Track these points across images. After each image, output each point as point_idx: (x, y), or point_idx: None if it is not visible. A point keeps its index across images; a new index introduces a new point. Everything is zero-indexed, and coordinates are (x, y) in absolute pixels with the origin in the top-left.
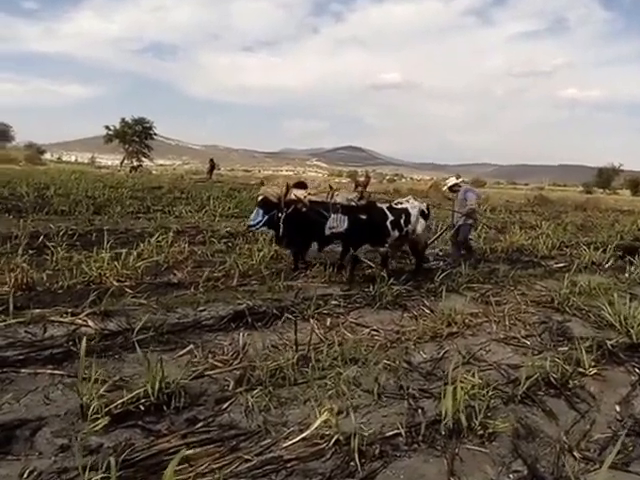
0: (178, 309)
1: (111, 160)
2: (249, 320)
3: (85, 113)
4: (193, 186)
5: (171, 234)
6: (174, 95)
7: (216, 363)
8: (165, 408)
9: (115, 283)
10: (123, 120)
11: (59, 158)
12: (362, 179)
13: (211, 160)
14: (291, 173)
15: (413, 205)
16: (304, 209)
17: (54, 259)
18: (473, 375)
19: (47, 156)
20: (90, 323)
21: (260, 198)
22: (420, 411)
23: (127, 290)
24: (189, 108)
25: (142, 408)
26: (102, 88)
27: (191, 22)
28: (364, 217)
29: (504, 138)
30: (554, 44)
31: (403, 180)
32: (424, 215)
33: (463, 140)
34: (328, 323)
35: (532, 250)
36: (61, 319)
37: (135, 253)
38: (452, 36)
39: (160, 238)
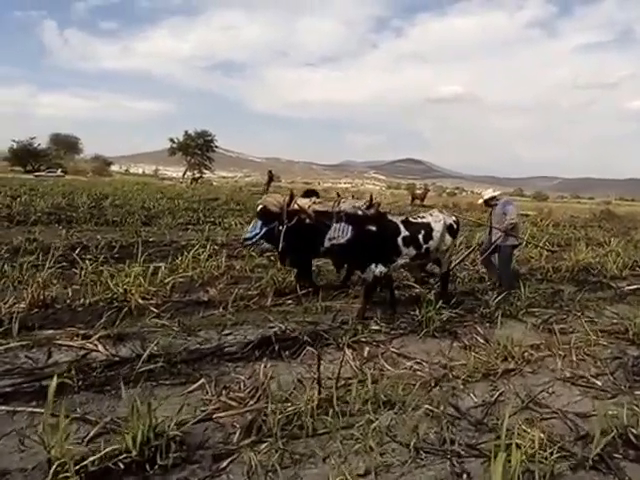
0: (201, 332)
1: (175, 172)
2: (276, 348)
3: (154, 127)
4: (250, 198)
5: (211, 247)
6: (239, 110)
7: (229, 402)
8: (149, 467)
9: (140, 301)
10: (186, 133)
11: (127, 170)
12: (420, 192)
13: (269, 172)
14: (349, 185)
15: (437, 219)
16: (308, 220)
17: (82, 273)
18: (533, 426)
19: (115, 168)
20: (100, 348)
21: (259, 208)
22: (465, 477)
23: (151, 309)
24: (253, 122)
25: (122, 466)
26: (172, 104)
27: (258, 40)
28: (372, 228)
29: (568, 151)
30: (620, 56)
31: (463, 193)
32: (452, 231)
33: (526, 153)
34: (365, 353)
35: (600, 270)
36: (70, 342)
37: (168, 268)
38: (516, 48)
39: (200, 251)
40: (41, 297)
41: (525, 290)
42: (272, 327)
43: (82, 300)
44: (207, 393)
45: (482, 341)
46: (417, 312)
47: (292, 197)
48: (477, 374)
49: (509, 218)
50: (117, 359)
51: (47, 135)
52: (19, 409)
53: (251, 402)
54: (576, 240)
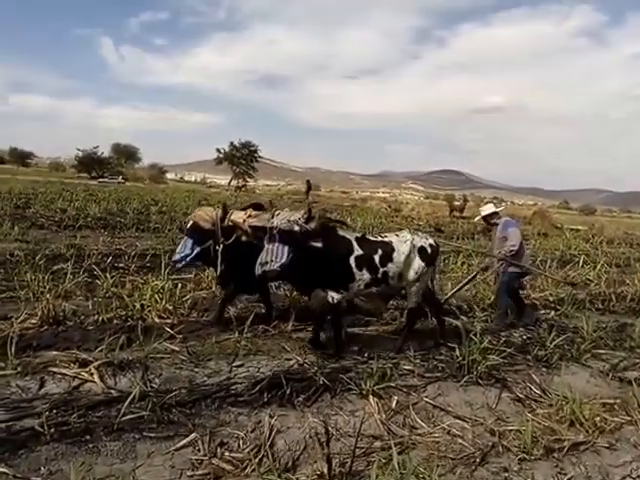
0: (211, 362)
1: (223, 180)
2: (287, 392)
3: (206, 137)
4: (290, 206)
5: None
6: (282, 122)
7: (223, 465)
8: None
9: (156, 320)
10: (232, 144)
11: (181, 178)
12: (459, 203)
13: (308, 181)
14: (387, 195)
15: (403, 239)
16: (244, 238)
17: (104, 285)
18: None
19: (171, 176)
20: (96, 378)
21: (189, 224)
22: None
23: (166, 329)
24: (295, 133)
25: None
26: (220, 116)
27: (300, 53)
28: (317, 245)
29: (618, 163)
30: None
31: (503, 204)
32: (424, 255)
33: (572, 165)
34: (394, 403)
35: None
36: (64, 371)
37: (194, 281)
38: (562, 58)
39: None
40: (52, 313)
41: (588, 326)
42: (288, 359)
43: (96, 317)
44: (199, 451)
45: (538, 392)
46: (457, 352)
47: (225, 210)
48: (537, 447)
49: (509, 244)
50: (111, 394)
51: (109, 144)
52: None
53: (250, 468)
54: (636, 261)
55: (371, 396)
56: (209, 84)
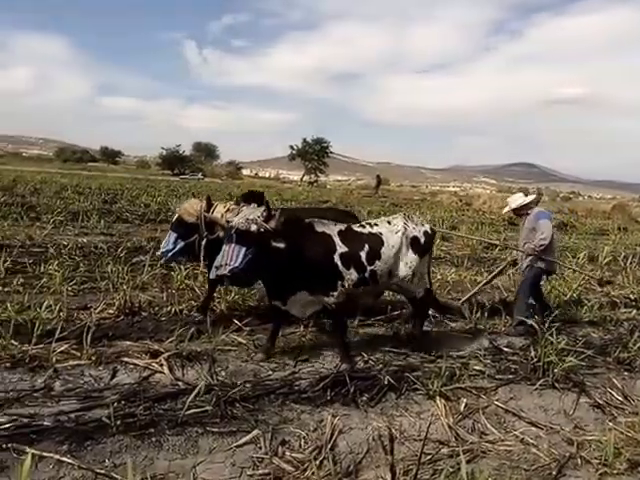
0: (276, 356)
1: (296, 176)
2: (350, 390)
3: (280, 135)
4: (359, 200)
5: None
6: (354, 117)
7: (284, 465)
8: None
9: (225, 311)
10: (304, 140)
11: (256, 174)
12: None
13: (377, 176)
14: (457, 189)
15: (395, 228)
16: (221, 234)
17: (178, 277)
18: None
19: (247, 172)
20: (165, 370)
21: (174, 218)
22: None
23: (235, 321)
24: (366, 129)
25: None
26: (294, 114)
27: (373, 50)
28: (281, 246)
29: None
30: None
31: (580, 198)
32: (417, 246)
33: None
34: (462, 406)
35: None
36: (136, 361)
37: None
38: None
39: None
40: (129, 303)
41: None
42: (353, 355)
43: (169, 308)
44: (260, 449)
45: (620, 398)
46: (531, 352)
47: (209, 203)
48: (619, 460)
49: (540, 236)
50: (178, 386)
51: (190, 143)
52: (45, 454)
53: (310, 470)
54: None
55: (438, 397)
56: (285, 83)
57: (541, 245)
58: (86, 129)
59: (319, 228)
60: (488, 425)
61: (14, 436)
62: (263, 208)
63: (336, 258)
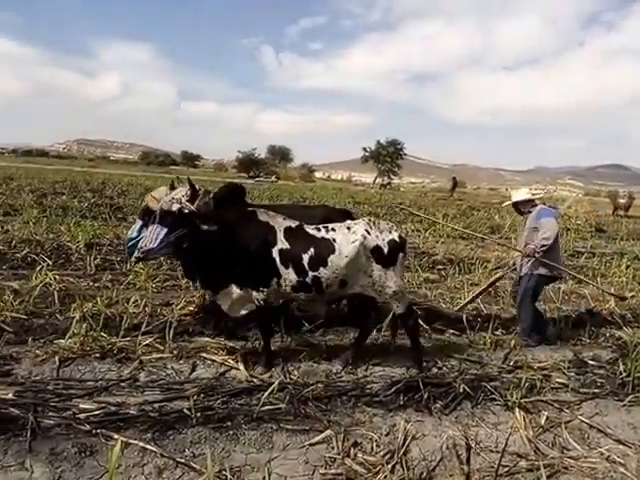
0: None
1: (367, 178)
2: (424, 396)
3: (353, 137)
4: (433, 203)
5: None
6: (429, 118)
7: (356, 467)
8: None
9: (296, 312)
10: (378, 142)
11: (328, 176)
12: (624, 200)
13: (453, 178)
14: (540, 192)
15: (351, 237)
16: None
17: None
18: None
19: (319, 174)
20: (241, 366)
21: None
22: None
23: (304, 323)
24: (443, 129)
25: None
26: (369, 116)
27: (454, 49)
28: (211, 229)
29: None
30: None
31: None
32: (380, 257)
33: None
34: (543, 420)
35: None
36: (214, 357)
37: None
38: None
39: None
40: (208, 301)
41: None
42: (426, 361)
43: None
44: (332, 449)
45: None
46: (620, 367)
47: (173, 189)
48: None
49: (542, 235)
50: (252, 382)
51: (265, 146)
52: (131, 441)
53: (382, 474)
54: None
55: (517, 409)
56: (360, 85)
57: (543, 246)
58: (168, 133)
59: (263, 218)
60: (570, 440)
61: (103, 422)
62: (187, 189)
63: (274, 253)
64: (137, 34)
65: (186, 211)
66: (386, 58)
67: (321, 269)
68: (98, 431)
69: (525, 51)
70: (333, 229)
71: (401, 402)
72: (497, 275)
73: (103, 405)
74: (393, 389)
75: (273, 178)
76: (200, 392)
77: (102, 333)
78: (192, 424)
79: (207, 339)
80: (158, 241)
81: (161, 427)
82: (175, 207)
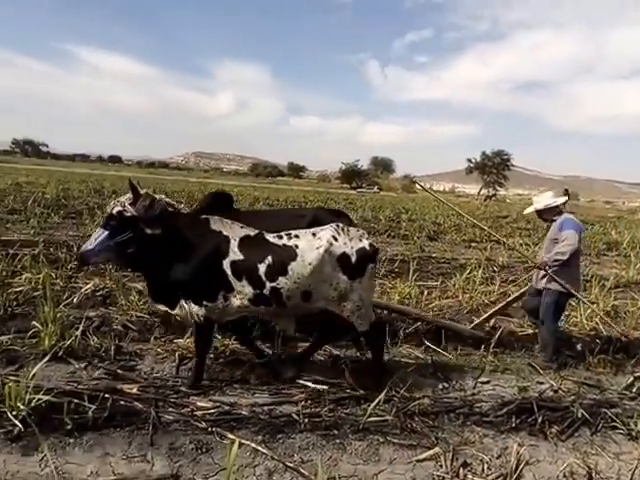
0: (453, 374)
1: (473, 189)
2: (538, 420)
3: (456, 148)
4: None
5: (489, 269)
6: (538, 128)
7: None
8: None
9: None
10: (483, 153)
11: (430, 187)
12: None
13: (565, 190)
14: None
15: (316, 243)
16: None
17: None
18: None
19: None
20: (346, 375)
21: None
22: None
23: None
24: (552, 139)
25: None
26: (473, 126)
27: (564, 58)
28: (152, 233)
29: None
30: None
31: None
32: (347, 266)
33: None
34: None
35: None
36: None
37: (440, 288)
38: None
39: (475, 273)
40: None
41: None
42: (540, 382)
43: None
44: (441, 467)
45: None
46: None
47: (135, 191)
48: None
49: (559, 248)
50: (358, 392)
51: (368, 158)
52: (244, 442)
53: None
54: None
55: None
56: (465, 96)
57: (556, 260)
58: (276, 146)
59: (216, 227)
60: None
61: (217, 421)
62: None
63: (225, 265)
64: (251, 54)
65: (128, 214)
66: (492, 68)
67: (280, 279)
68: (213, 429)
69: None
70: (297, 235)
71: (513, 424)
72: (517, 293)
73: (218, 404)
74: (505, 410)
75: (375, 189)
76: (307, 398)
77: (217, 335)
78: (300, 429)
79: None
80: (96, 242)
81: (271, 430)
82: (116, 210)
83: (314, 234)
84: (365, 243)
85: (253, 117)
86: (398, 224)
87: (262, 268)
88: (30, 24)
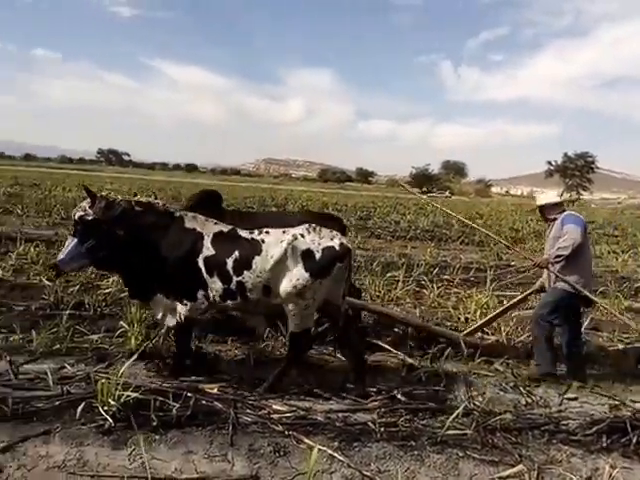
0: (538, 389)
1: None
2: (632, 441)
3: (533, 150)
4: (633, 222)
5: None
6: (626, 127)
7: None
8: None
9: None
10: (565, 155)
11: (507, 192)
12: None
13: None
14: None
15: (279, 238)
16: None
17: (430, 295)
18: None
19: (496, 190)
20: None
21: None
22: None
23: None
24: None
25: None
26: (552, 126)
27: None
28: (118, 234)
29: None
30: None
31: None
32: (309, 262)
33: None
34: None
35: None
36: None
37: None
38: None
39: None
40: None
41: None
42: (634, 401)
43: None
44: None
45: None
46: None
47: (90, 194)
48: None
49: (560, 243)
50: (433, 405)
51: (439, 162)
52: (321, 448)
53: None
54: None
55: None
56: (544, 94)
57: (558, 256)
58: (344, 152)
59: (190, 224)
60: None
61: (294, 425)
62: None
63: (200, 262)
64: (320, 59)
65: (89, 217)
66: (572, 65)
67: (245, 273)
68: (290, 433)
69: None
70: (268, 232)
71: (604, 444)
72: (519, 297)
73: (294, 408)
74: (594, 428)
75: (447, 193)
76: (382, 406)
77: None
78: (376, 438)
79: (380, 353)
80: (67, 251)
81: (347, 437)
82: (78, 215)
83: (284, 232)
84: (335, 242)
85: (322, 123)
86: (472, 230)
87: (230, 262)
88: (117, 43)
